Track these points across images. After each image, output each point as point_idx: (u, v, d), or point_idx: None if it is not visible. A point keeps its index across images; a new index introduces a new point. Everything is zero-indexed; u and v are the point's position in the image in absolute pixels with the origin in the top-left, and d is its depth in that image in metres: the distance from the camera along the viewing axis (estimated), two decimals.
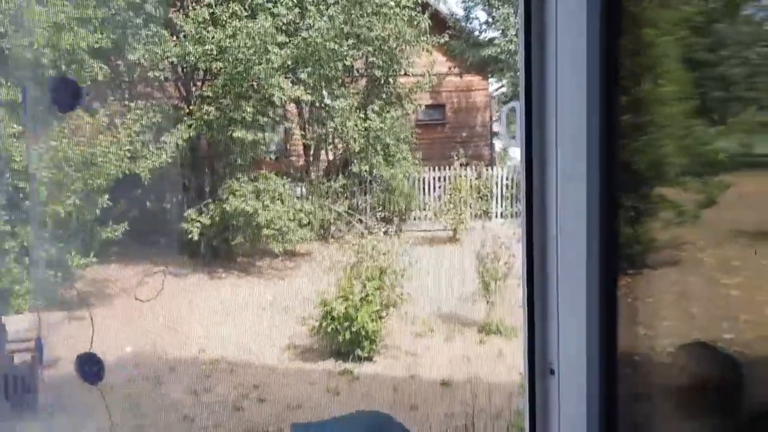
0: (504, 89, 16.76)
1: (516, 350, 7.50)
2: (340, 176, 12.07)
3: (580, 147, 1.17)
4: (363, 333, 7.61)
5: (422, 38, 12.19)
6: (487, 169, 13.38)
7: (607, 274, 1.21)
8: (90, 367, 2.80)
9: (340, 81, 11.76)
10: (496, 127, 16.23)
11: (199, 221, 10.36)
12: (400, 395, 7.06)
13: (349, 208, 11.96)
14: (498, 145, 16.41)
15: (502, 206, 13.05)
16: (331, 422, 3.77)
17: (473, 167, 13.03)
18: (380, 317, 7.82)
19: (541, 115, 1.25)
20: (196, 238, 10.31)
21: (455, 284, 9.03)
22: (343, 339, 7.58)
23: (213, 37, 10.11)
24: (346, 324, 7.58)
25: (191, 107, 10.95)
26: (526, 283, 1.31)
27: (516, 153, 15.54)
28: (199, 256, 10.76)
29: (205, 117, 10.54)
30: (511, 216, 12.72)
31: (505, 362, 7.50)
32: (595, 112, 1.17)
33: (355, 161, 11.89)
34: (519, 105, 1.30)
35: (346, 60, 11.28)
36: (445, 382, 7.17)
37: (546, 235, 1.27)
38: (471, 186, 12.58)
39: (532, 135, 1.26)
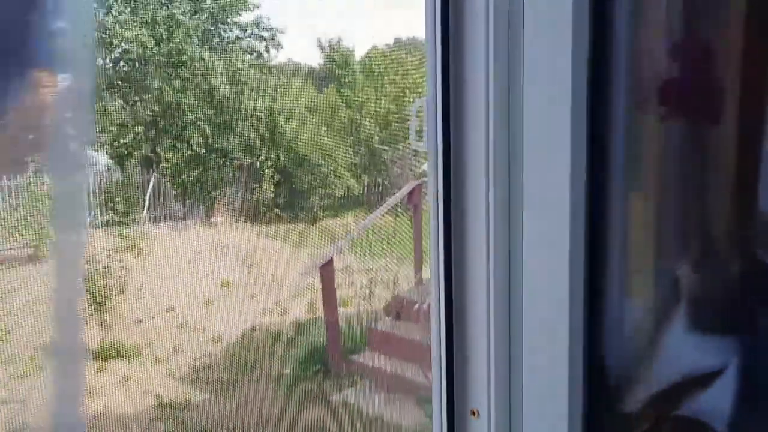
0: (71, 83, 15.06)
1: (146, 374, 6.90)
2: None
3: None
4: None
5: None
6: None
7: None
8: None
9: None
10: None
11: None
12: None
13: None
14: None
15: (91, 215, 11.80)
16: None
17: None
18: None
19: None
20: None
21: (57, 309, 7.80)
22: None
23: None
24: None
25: None
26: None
27: (97, 157, 14.28)
28: None
29: None
30: (102, 225, 11.62)
31: (135, 388, 6.81)
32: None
33: None
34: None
35: None
36: None
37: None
38: (53, 195, 11.05)
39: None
